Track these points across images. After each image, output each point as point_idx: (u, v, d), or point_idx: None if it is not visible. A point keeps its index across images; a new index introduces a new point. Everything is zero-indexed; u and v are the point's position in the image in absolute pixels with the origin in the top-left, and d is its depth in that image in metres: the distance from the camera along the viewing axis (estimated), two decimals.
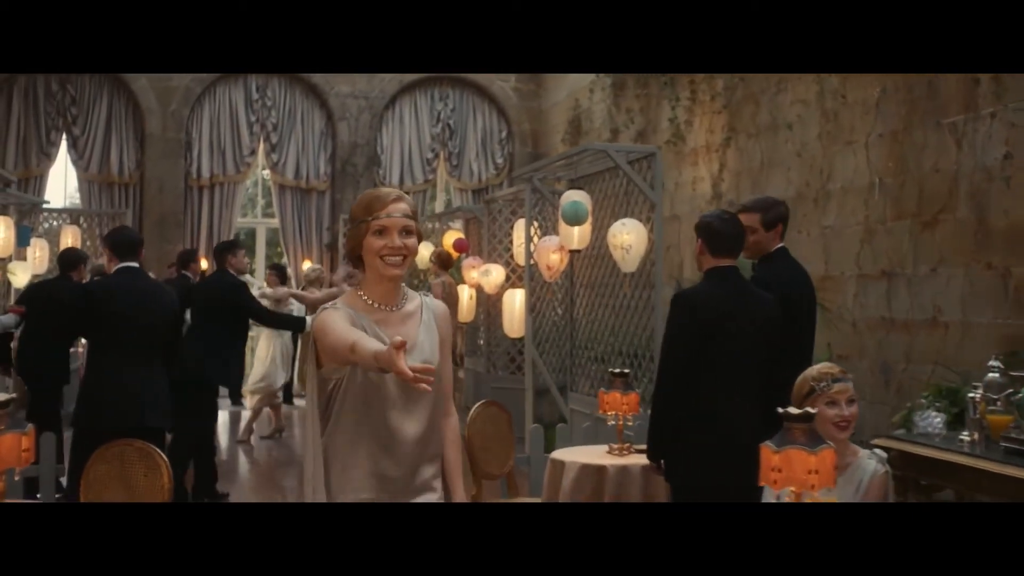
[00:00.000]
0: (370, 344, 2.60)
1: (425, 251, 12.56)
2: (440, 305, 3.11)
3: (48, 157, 13.47)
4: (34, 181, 13.37)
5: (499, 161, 15.02)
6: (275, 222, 14.49)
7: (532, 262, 9.07)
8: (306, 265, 12.12)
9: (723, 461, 3.90)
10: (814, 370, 3.52)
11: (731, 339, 4.03)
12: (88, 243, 12.93)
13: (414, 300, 3.02)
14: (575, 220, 7.34)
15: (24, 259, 11.90)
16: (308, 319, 7.89)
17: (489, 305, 10.45)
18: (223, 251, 7.97)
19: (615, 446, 5.07)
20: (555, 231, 9.28)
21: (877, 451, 3.55)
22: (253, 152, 14.11)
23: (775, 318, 4.14)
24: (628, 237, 6.90)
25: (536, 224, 9.17)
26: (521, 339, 9.82)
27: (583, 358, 8.59)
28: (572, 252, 7.80)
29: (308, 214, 14.33)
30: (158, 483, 3.89)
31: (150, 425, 5.29)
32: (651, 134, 11.10)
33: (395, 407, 2.90)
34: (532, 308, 9.12)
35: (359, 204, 2.94)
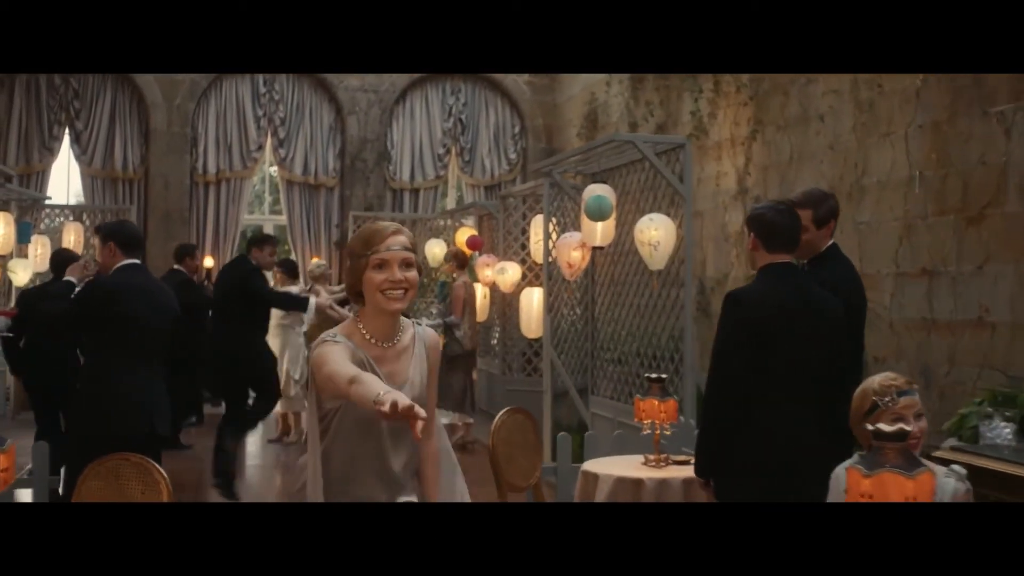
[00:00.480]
0: (371, 387, 2.59)
1: (438, 249, 12.25)
2: (431, 335, 3.15)
3: (50, 152, 13.14)
4: (36, 177, 13.04)
5: (512, 157, 14.65)
6: (283, 219, 14.15)
7: (551, 259, 8.73)
8: (313, 262, 11.77)
9: (779, 481, 3.53)
10: (875, 382, 3.11)
11: (790, 345, 3.66)
12: (92, 241, 12.59)
13: (408, 332, 3.06)
14: (599, 215, 6.98)
15: (29, 256, 11.60)
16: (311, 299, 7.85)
17: (504, 304, 10.10)
18: (251, 243, 8.00)
19: (651, 457, 4.71)
20: (575, 227, 8.93)
21: (955, 467, 3.18)
22: (260, 147, 13.77)
23: (839, 321, 3.77)
24: (656, 233, 6.54)
25: (554, 220, 8.81)
26: (537, 340, 9.47)
27: (603, 360, 8.24)
28: (594, 249, 7.44)
29: (316, 211, 13.98)
30: (156, 501, 3.53)
31: (160, 432, 4.98)
32: (672, 128, 10.72)
33: (387, 439, 2.97)
34: (550, 308, 8.77)
35: (358, 239, 2.96)
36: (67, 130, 13.22)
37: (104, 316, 4.97)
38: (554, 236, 8.79)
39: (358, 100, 14.00)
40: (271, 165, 14.95)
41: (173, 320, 5.23)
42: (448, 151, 14.46)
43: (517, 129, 14.69)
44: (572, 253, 7.64)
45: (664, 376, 4.81)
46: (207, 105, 13.58)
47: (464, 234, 12.04)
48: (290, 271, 10.40)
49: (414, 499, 3.06)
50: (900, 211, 7.16)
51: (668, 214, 6.76)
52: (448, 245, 12.33)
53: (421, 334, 3.10)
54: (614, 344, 8.09)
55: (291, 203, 13.91)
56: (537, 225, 9.21)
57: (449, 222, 13.32)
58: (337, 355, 2.81)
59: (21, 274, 11.03)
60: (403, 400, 2.46)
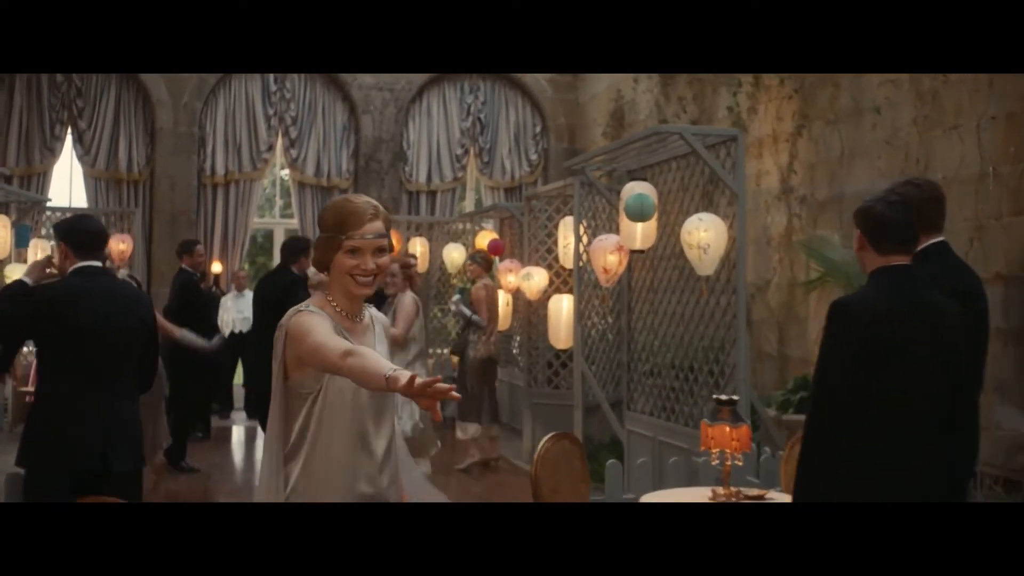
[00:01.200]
0: (377, 362, 2.49)
1: (456, 254, 11.65)
2: (383, 317, 3.11)
3: (52, 152, 12.59)
4: (37, 178, 12.49)
5: (533, 157, 14.05)
6: (294, 223, 13.55)
7: (582, 264, 8.13)
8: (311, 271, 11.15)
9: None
10: None
11: (905, 362, 3.05)
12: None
13: (367, 309, 3.00)
14: (640, 216, 6.38)
15: (25, 261, 11.03)
16: None
17: (530, 312, 9.48)
18: (299, 251, 7.77)
19: (721, 491, 4.08)
20: (607, 229, 8.35)
21: None
22: (271, 148, 13.19)
23: (960, 333, 3.17)
24: (706, 235, 5.94)
25: (584, 222, 8.21)
26: (565, 350, 8.84)
27: (639, 372, 7.62)
28: (633, 253, 6.83)
29: None
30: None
31: (116, 470, 4.16)
32: (706, 124, 10.10)
33: (370, 422, 2.84)
34: (581, 316, 8.16)
35: (333, 215, 2.84)
36: (69, 130, 12.66)
37: (45, 327, 4.21)
38: (584, 239, 8.20)
39: (373, 98, 13.41)
40: (283, 169, 14.36)
41: (143, 332, 4.43)
42: (466, 152, 13.86)
43: (538, 129, 14.09)
44: (608, 257, 7.03)
45: (736, 398, 4.17)
46: (215, 103, 13.01)
47: (484, 238, 11.44)
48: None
49: (393, 487, 2.93)
50: (970, 210, 6.52)
51: (719, 213, 6.16)
52: (467, 249, 11.74)
53: (376, 315, 3.06)
54: (649, 355, 7.48)
55: (303, 206, 13.32)
56: (566, 228, 8.60)
57: (468, 225, 12.71)
58: (320, 326, 2.71)
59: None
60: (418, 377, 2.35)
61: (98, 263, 4.40)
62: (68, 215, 11.92)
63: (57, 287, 4.33)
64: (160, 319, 7.55)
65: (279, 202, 16.99)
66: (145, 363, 4.50)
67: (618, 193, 7.00)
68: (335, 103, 13.42)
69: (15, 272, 10.45)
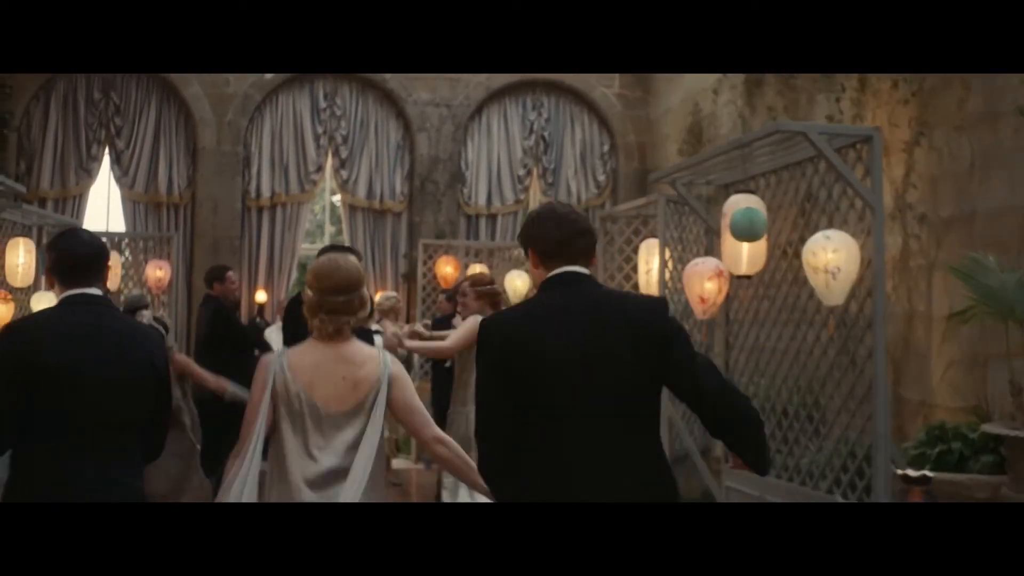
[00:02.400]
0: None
1: (520, 282, 10.66)
2: None
3: (88, 174, 11.78)
4: (72, 201, 11.69)
5: (601, 179, 13.02)
6: None
7: (668, 292, 7.09)
8: (381, 295, 10.21)
9: None
10: None
11: None
12: (132, 272, 11.22)
13: None
14: (750, 234, 5.32)
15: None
16: (377, 338, 5.78)
17: None
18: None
19: None
20: (695, 253, 7.32)
21: None
22: (320, 168, 12.29)
23: None
24: (835, 256, 4.88)
25: (669, 245, 7.18)
26: None
27: None
28: (738, 279, 5.78)
29: (382, 239, 12.44)
30: None
31: None
32: (789, 145, 9.00)
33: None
34: None
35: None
36: (107, 150, 11.87)
37: (23, 377, 3.18)
38: (670, 264, 7.18)
39: (429, 115, 12.49)
40: (333, 194, 13.48)
41: (147, 382, 3.38)
42: (529, 172, 12.86)
43: (606, 148, 13.06)
44: (706, 284, 5.98)
45: (928, 475, 3.10)
46: (261, 121, 12.16)
47: None
48: None
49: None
50: None
51: (847, 230, 5.09)
52: (530, 277, 10.72)
53: None
54: (753, 399, 6.40)
55: (354, 230, 12.40)
56: (648, 251, 7.57)
57: None
58: None
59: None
60: None
61: (91, 290, 3.38)
62: (154, 246, 11.14)
63: (26, 321, 3.36)
64: (190, 366, 6.53)
65: (330, 228, 16.16)
66: (153, 423, 3.45)
67: (710, 209, 5.98)
68: (388, 120, 12.51)
69: (43, 300, 9.61)
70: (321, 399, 3.27)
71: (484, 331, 2.94)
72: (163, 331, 6.47)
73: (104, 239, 10.59)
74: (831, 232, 4.98)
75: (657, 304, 3.04)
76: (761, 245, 5.62)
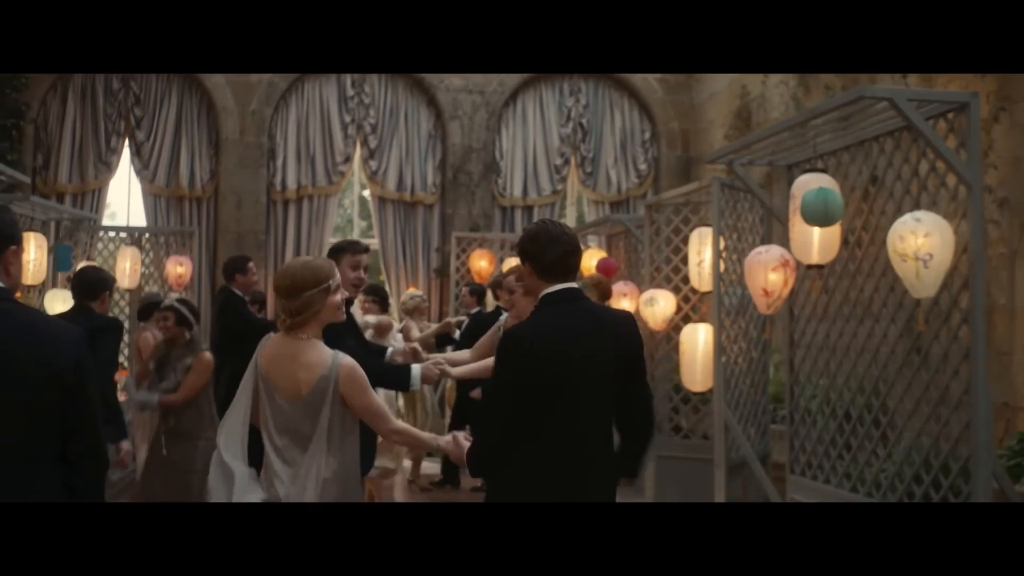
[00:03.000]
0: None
1: None
2: None
3: (108, 167, 11.31)
4: (92, 195, 11.23)
5: (642, 167, 12.39)
6: (374, 243, 12.08)
7: (723, 286, 6.49)
8: (407, 292, 9.62)
9: None
10: None
11: None
12: (153, 269, 10.73)
13: None
14: (824, 218, 4.71)
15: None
16: (414, 369, 5.09)
17: (652, 345, 7.81)
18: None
19: None
20: (751, 243, 6.72)
21: None
22: (348, 159, 11.75)
23: None
24: (926, 241, 4.25)
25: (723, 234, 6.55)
26: (701, 393, 7.15)
27: (808, 424, 5.90)
28: (810, 269, 5.16)
29: (413, 232, 11.88)
30: None
31: None
32: (859, 117, 8.33)
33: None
34: (723, 349, 6.49)
35: (311, 274, 3.65)
36: (127, 142, 11.38)
37: None
38: (725, 254, 6.57)
39: (461, 102, 11.91)
40: (363, 188, 12.93)
41: (52, 387, 2.69)
42: (567, 161, 12.25)
43: (647, 135, 12.42)
44: (770, 276, 5.36)
45: None
46: (286, 110, 11.63)
47: (590, 258, 9.81)
48: (380, 299, 8.25)
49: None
50: None
51: (939, 212, 4.45)
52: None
53: None
54: (825, 403, 5.77)
55: (384, 224, 11.85)
56: (699, 241, 6.95)
57: None
58: None
59: (60, 308, 9.12)
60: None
61: None
62: (175, 241, 10.68)
63: None
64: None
65: (361, 224, 15.62)
66: (75, 435, 2.77)
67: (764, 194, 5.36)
68: (419, 108, 11.95)
69: (57, 300, 9.15)
70: (275, 387, 3.65)
71: (516, 341, 3.35)
72: (190, 317, 6.04)
73: (125, 235, 10.17)
74: (921, 214, 4.34)
75: (631, 317, 3.71)
76: (834, 231, 4.99)
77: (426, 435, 3.93)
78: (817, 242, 4.95)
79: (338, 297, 3.70)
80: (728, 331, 6.74)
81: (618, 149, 12.35)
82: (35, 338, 2.72)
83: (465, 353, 5.48)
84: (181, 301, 6.17)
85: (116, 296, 10.70)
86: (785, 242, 5.40)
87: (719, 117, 11.43)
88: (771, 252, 5.40)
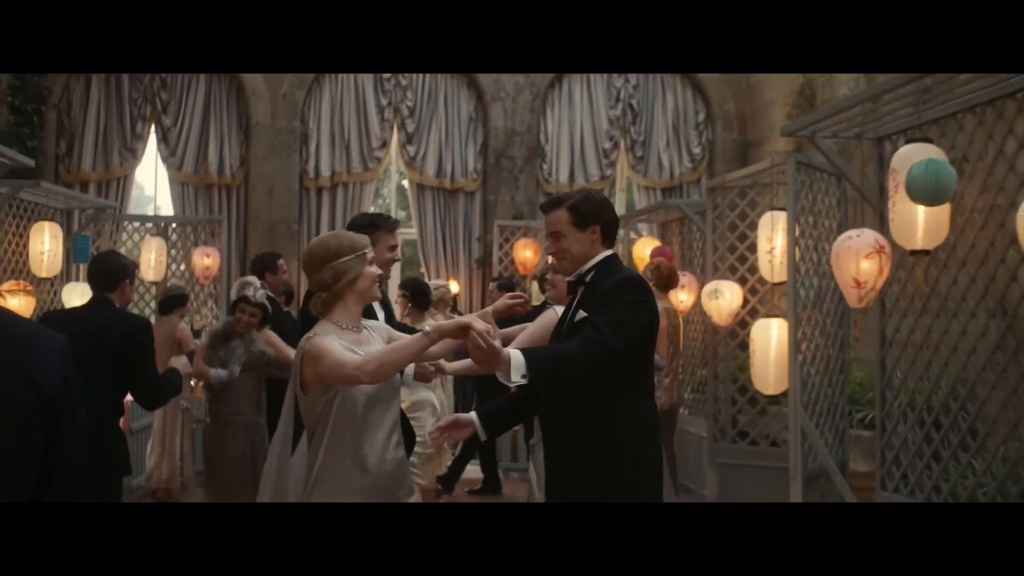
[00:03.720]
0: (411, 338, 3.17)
1: None
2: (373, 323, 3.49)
3: (133, 154, 10.77)
4: (117, 184, 10.70)
5: (695, 151, 11.67)
6: (412, 232, 11.46)
7: (800, 276, 5.79)
8: (431, 283, 8.87)
9: None
10: None
11: None
12: (180, 260, 10.18)
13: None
14: (935, 195, 4.01)
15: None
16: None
17: (715, 341, 7.11)
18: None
19: None
20: (836, 226, 6.02)
21: None
22: (384, 144, 11.13)
23: None
24: None
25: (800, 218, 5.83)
26: (774, 396, 6.44)
27: (900, 434, 5.19)
28: (914, 255, 4.44)
29: (454, 221, 11.24)
30: None
31: None
32: (940, 91, 7.57)
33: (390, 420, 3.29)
34: (798, 347, 5.78)
35: (346, 242, 3.28)
36: (153, 128, 10.84)
37: None
38: (801, 241, 5.86)
39: (504, 83, 11.25)
40: (401, 176, 12.32)
41: (30, 404, 1.99)
42: (616, 145, 11.56)
43: (701, 116, 11.70)
44: (862, 264, 4.65)
45: None
46: (320, 93, 11.03)
47: (644, 246, 9.14)
48: (419, 297, 7.52)
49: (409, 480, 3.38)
50: None
51: None
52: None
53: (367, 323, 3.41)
54: (927, 410, 5.06)
55: (422, 212, 11.22)
56: (771, 225, 6.23)
57: (621, 232, 10.36)
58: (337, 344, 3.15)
59: (79, 302, 8.58)
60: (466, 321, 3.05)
61: None
62: (203, 232, 10.13)
63: None
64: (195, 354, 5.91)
65: (401, 214, 15.02)
66: (54, 454, 2.15)
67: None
68: (459, 90, 11.30)
69: (75, 293, 8.61)
70: None
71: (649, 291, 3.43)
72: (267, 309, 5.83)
73: (150, 225, 9.58)
74: None
75: None
76: (942, 211, 4.29)
77: (404, 339, 3.27)
78: (922, 223, 4.25)
79: (374, 269, 3.30)
80: (804, 327, 6.03)
81: (670, 132, 11.64)
82: (17, 350, 2.07)
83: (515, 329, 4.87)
84: (268, 299, 5.99)
85: (141, 290, 10.17)
86: (865, 226, 4.72)
87: (779, 96, 10.69)
88: (863, 236, 4.69)
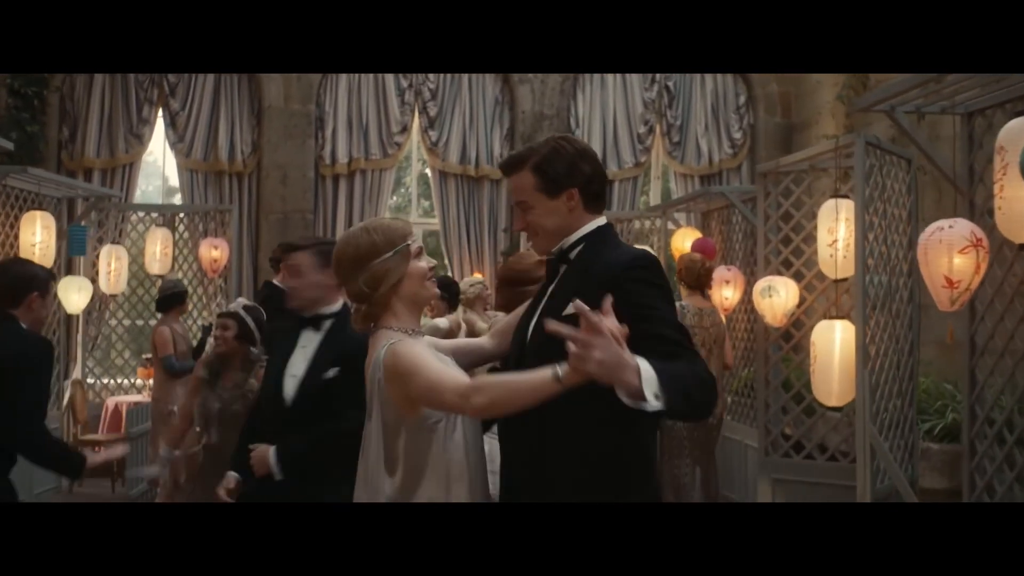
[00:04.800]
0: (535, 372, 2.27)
1: None
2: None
3: (139, 140, 10.16)
4: (122, 171, 10.10)
5: (736, 136, 10.96)
6: (435, 222, 10.82)
7: (869, 272, 5.11)
8: (466, 280, 8.22)
9: None
10: None
11: None
12: (186, 251, 9.61)
13: None
14: None
15: (102, 272, 8.71)
16: None
17: (766, 344, 6.42)
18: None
19: None
20: (905, 216, 5.34)
21: None
22: (405, 129, 10.48)
23: None
24: None
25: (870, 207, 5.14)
26: (838, 408, 5.74)
27: (990, 450, 4.51)
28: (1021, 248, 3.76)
29: (478, 210, 10.58)
30: None
31: None
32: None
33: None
34: (866, 354, 5.10)
35: (380, 236, 2.63)
36: (160, 112, 10.24)
37: None
38: (874, 231, 5.18)
39: None
40: (423, 163, 11.68)
41: None
42: (651, 130, 10.85)
43: (742, 99, 10.99)
44: (955, 260, 3.95)
45: None
46: (336, 75, 10.38)
47: (684, 238, 8.45)
48: (448, 294, 6.86)
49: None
50: None
51: None
52: (656, 252, 8.74)
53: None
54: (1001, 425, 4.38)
55: (445, 201, 10.57)
56: (835, 214, 5.53)
57: (657, 222, 9.63)
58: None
59: (76, 298, 8.02)
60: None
61: None
62: (212, 223, 9.54)
63: None
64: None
65: (422, 204, 14.40)
66: None
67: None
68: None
69: (72, 288, 8.04)
70: None
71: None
72: (255, 331, 4.81)
73: (156, 214, 8.97)
74: None
75: None
76: None
77: (528, 376, 2.30)
78: None
79: (424, 263, 2.65)
80: (871, 329, 5.33)
81: (709, 116, 10.94)
82: None
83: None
84: (248, 308, 4.89)
85: (148, 284, 9.59)
86: (936, 215, 4.04)
87: (827, 77, 9.96)
88: (957, 228, 4.00)
